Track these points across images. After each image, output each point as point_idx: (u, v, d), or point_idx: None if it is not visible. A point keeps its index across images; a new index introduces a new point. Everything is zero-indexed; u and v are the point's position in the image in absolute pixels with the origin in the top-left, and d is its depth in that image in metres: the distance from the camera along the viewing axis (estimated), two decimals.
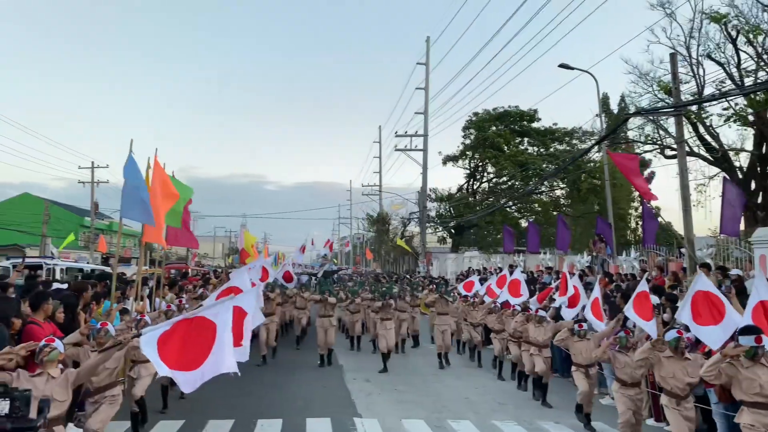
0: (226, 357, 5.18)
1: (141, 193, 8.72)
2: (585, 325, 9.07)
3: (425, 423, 8.95)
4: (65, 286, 10.15)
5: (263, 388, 11.08)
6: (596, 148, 27.10)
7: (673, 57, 14.33)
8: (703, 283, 7.40)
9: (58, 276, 20.19)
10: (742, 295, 10.20)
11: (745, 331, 5.72)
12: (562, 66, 19.68)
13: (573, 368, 9.07)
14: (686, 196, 13.97)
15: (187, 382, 5.16)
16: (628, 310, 7.89)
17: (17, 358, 5.23)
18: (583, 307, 10.41)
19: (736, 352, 5.56)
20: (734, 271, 12.37)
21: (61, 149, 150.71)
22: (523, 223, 38.99)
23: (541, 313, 10.84)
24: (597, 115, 20.68)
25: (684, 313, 7.19)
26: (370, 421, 8.97)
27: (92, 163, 37.12)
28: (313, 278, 21.45)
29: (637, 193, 44.13)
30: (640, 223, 29.11)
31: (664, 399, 6.69)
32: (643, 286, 8.22)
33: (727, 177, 17.03)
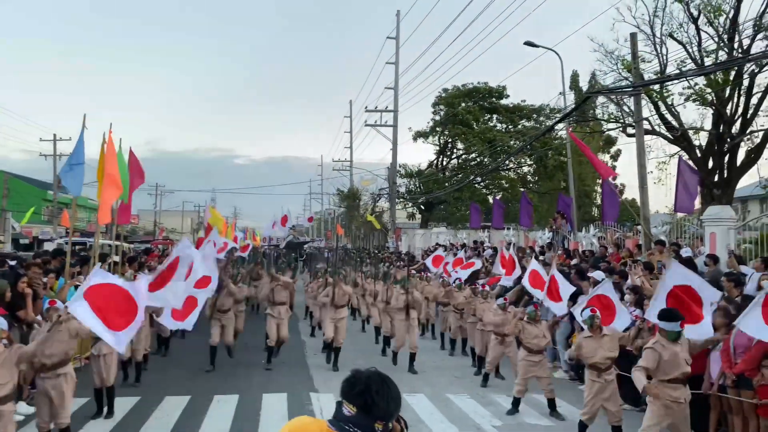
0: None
1: (76, 165, 8.80)
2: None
3: None
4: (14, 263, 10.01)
5: (223, 365, 11.10)
6: (562, 125, 27.35)
7: (633, 37, 14.47)
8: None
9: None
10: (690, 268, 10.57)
11: (668, 317, 5.92)
12: (527, 44, 19.73)
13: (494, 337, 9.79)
14: (643, 174, 14.24)
15: (118, 342, 6.34)
16: (526, 283, 9.41)
17: None
18: (519, 278, 10.88)
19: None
20: (684, 250, 12.75)
21: (23, 121, 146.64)
22: (492, 200, 39.32)
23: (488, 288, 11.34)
24: (561, 93, 20.84)
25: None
26: (327, 396, 9.10)
27: (54, 135, 36.26)
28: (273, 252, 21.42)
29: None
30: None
31: (586, 371, 7.16)
32: (533, 266, 9.22)
33: (682, 156, 17.37)
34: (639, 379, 5.72)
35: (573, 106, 19.27)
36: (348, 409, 2.30)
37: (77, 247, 20.71)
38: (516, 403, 8.49)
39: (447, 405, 8.80)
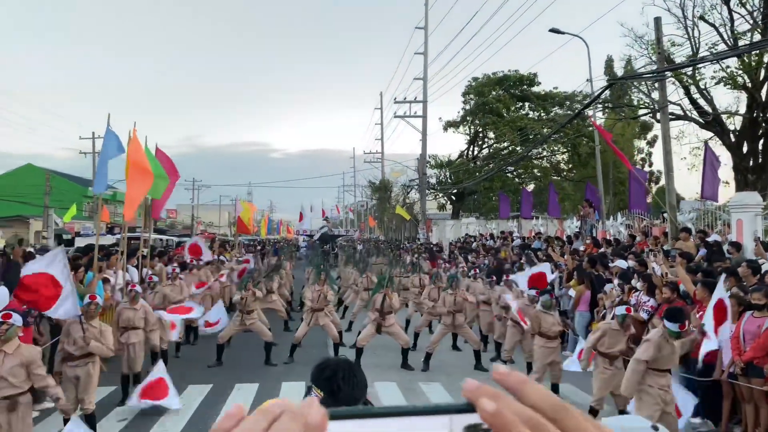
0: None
1: (103, 165, 9.14)
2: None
3: (397, 386, 9.26)
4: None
5: (246, 355, 11.37)
6: (598, 112, 26.89)
7: (657, 21, 14.19)
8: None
9: None
10: (719, 257, 10.39)
11: (672, 318, 5.95)
12: (552, 31, 19.50)
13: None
14: (668, 160, 14.04)
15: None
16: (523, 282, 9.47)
17: None
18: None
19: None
20: (713, 237, 12.52)
21: (65, 121, 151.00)
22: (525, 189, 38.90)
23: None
24: (588, 80, 20.58)
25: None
26: None
27: (93, 133, 37.34)
28: (304, 247, 21.44)
29: (638, 158, 44.08)
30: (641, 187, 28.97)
31: (598, 359, 7.30)
32: (541, 268, 9.53)
33: (709, 143, 16.98)
34: (637, 371, 5.87)
35: (595, 94, 18.90)
36: (316, 394, 2.47)
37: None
38: None
39: (459, 394, 8.87)
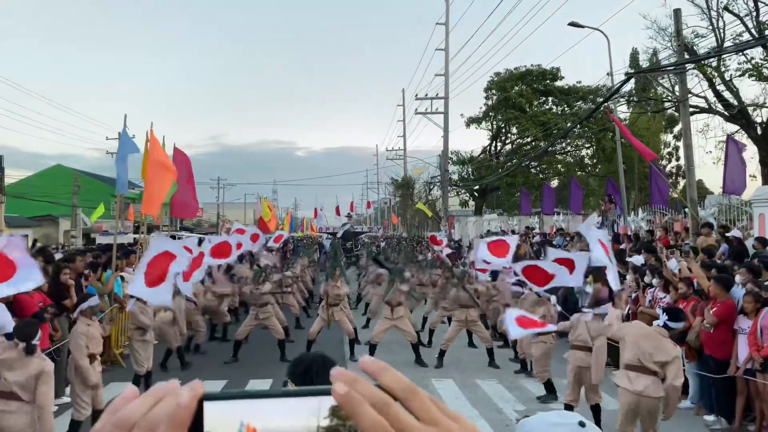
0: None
1: (121, 165, 9.27)
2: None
3: None
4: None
5: (262, 350, 11.49)
6: (622, 106, 26.48)
7: (677, 13, 13.94)
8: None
9: None
10: (743, 256, 10.18)
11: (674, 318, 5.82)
12: (572, 24, 19.27)
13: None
14: (689, 154, 13.80)
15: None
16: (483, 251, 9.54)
17: None
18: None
19: None
20: (734, 232, 12.28)
21: (94, 122, 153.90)
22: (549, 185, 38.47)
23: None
24: (608, 73, 20.27)
25: None
26: None
27: (119, 134, 37.87)
28: (328, 244, 21.53)
29: (664, 152, 43.36)
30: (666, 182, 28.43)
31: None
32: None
33: (731, 136, 16.58)
34: None
35: (614, 88, 18.58)
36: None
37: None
38: (549, 388, 8.44)
39: (473, 390, 8.88)
